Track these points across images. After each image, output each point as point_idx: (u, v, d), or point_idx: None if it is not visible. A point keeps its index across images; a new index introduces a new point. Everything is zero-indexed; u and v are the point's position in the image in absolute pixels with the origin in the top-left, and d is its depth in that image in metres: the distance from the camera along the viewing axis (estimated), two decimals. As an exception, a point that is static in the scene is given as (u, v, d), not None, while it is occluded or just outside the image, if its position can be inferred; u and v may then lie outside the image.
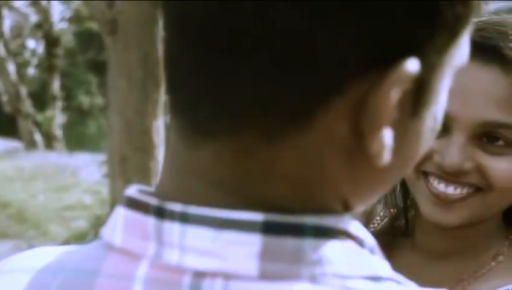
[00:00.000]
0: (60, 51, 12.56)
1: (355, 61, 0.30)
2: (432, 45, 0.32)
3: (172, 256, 0.32)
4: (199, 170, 0.33)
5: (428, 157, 0.68)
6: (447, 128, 0.68)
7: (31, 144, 11.06)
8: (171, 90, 0.34)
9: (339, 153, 0.32)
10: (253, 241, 0.31)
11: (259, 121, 0.31)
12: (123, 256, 0.33)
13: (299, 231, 0.31)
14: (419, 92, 0.33)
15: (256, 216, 0.31)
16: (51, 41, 12.29)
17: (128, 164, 3.74)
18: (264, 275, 0.31)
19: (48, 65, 12.64)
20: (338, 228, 0.33)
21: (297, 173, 0.32)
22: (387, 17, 0.30)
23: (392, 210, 0.81)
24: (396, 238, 0.80)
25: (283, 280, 0.31)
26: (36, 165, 8.37)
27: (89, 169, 7.81)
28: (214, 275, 0.31)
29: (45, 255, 0.38)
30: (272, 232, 0.31)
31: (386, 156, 0.32)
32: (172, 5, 0.33)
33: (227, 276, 0.31)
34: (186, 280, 0.31)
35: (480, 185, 0.68)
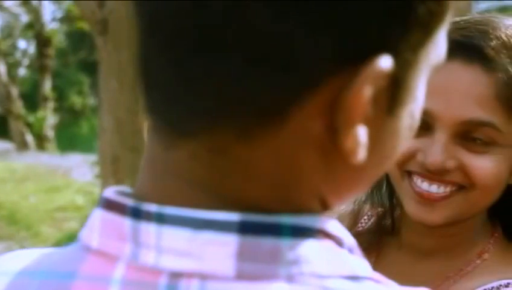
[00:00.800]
0: (51, 51, 12.50)
1: (328, 59, 0.30)
2: (405, 42, 0.32)
3: (148, 257, 0.31)
4: (176, 170, 0.33)
5: (411, 156, 0.69)
6: (429, 127, 0.68)
7: (22, 145, 11.00)
8: (146, 90, 0.34)
9: (314, 152, 0.32)
10: (230, 242, 0.31)
11: (234, 120, 0.31)
12: (100, 258, 0.33)
13: (276, 230, 0.31)
14: (394, 90, 0.32)
15: (233, 216, 0.31)
16: (42, 41, 12.23)
17: (120, 164, 3.73)
18: (241, 275, 0.31)
19: (39, 65, 12.58)
20: (316, 228, 0.32)
21: (273, 172, 0.32)
22: (359, 14, 0.30)
23: (379, 209, 0.82)
24: (383, 238, 0.80)
25: (260, 279, 0.31)
26: (28, 166, 8.33)
27: (81, 170, 7.78)
28: (190, 275, 0.31)
29: (24, 257, 0.38)
30: (249, 232, 0.31)
31: (361, 154, 0.32)
32: (145, 5, 0.32)
33: (203, 276, 0.31)
34: (163, 280, 0.31)
35: (463, 183, 0.68)
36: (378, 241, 0.80)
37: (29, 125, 11.34)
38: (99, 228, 0.34)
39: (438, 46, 0.35)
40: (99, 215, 0.34)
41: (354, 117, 0.31)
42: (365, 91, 0.30)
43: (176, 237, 0.31)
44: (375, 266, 0.79)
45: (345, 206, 0.83)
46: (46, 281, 0.34)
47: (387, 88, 0.32)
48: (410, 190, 0.70)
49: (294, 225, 0.32)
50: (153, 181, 0.34)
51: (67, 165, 8.42)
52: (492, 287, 0.68)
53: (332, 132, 0.31)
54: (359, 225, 0.83)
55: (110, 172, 3.75)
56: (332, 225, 0.34)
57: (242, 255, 0.31)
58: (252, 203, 0.32)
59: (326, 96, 0.31)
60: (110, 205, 0.34)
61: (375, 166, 0.35)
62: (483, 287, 0.69)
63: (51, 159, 9.19)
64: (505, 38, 0.67)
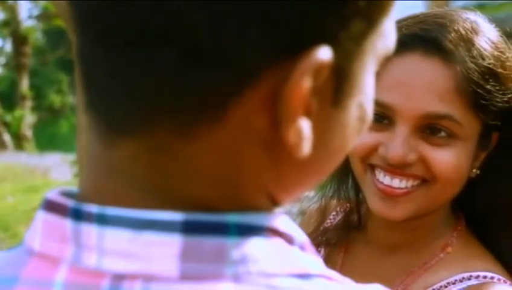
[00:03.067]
0: (28, 49, 12.32)
1: (263, 51, 0.30)
2: (345, 33, 0.31)
3: (90, 259, 0.31)
4: (116, 169, 0.32)
5: (373, 150, 0.69)
6: (391, 120, 0.68)
7: (-1, 145, 10.84)
8: (85, 88, 0.33)
9: (258, 147, 0.32)
10: (173, 242, 0.30)
11: (172, 118, 0.30)
12: (42, 261, 0.32)
13: (221, 229, 0.31)
14: (338, 81, 0.32)
15: (176, 216, 0.30)
16: (19, 39, 12.05)
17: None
18: (185, 276, 0.30)
19: (16, 64, 12.39)
20: (264, 225, 0.32)
21: (216, 169, 0.31)
22: (295, 5, 0.29)
23: (346, 205, 0.82)
24: (351, 233, 0.80)
25: (205, 280, 0.30)
26: (5, 166, 8.21)
27: (60, 169, 7.70)
28: (133, 277, 0.30)
29: None
30: (193, 231, 0.30)
31: (306, 148, 0.31)
32: (76, 3, 0.32)
33: (147, 278, 0.30)
34: (105, 283, 0.30)
35: (425, 176, 0.69)
36: (346, 236, 0.80)
37: (6, 125, 11.18)
38: (41, 230, 0.33)
39: (385, 37, 0.34)
40: (41, 217, 0.33)
41: (294, 110, 0.30)
42: (304, 83, 0.30)
43: (117, 238, 0.30)
44: (344, 262, 0.79)
45: (310, 202, 0.84)
46: None
47: (330, 79, 0.31)
48: (372, 186, 0.70)
49: (240, 223, 0.31)
50: (94, 181, 0.33)
51: (46, 164, 8.32)
52: (455, 281, 0.69)
53: (275, 126, 0.31)
54: (328, 220, 0.83)
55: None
56: (282, 222, 0.33)
57: (186, 256, 0.30)
58: (197, 202, 0.31)
59: (265, 90, 0.30)
60: (51, 207, 0.33)
61: (324, 159, 0.35)
62: (446, 280, 0.69)
63: (30, 159, 9.07)
64: (462, 31, 0.67)
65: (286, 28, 0.29)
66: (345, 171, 0.77)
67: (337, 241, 0.79)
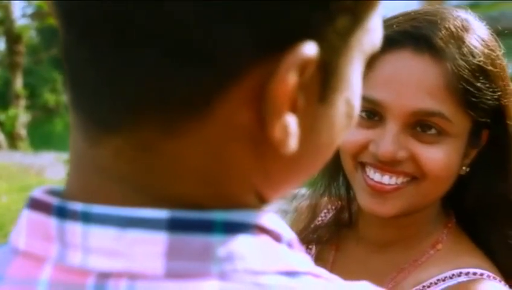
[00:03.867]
0: (22, 48, 12.26)
1: (249, 47, 0.29)
2: (331, 28, 0.31)
3: (75, 257, 0.31)
4: (101, 167, 0.32)
5: (364, 147, 0.69)
6: (381, 117, 0.68)
7: (-7, 144, 10.79)
8: (70, 86, 0.33)
9: (244, 144, 0.31)
10: (159, 240, 0.30)
11: (158, 115, 0.30)
12: (27, 260, 0.32)
13: (207, 227, 0.31)
14: (325, 77, 0.32)
15: (161, 213, 0.30)
16: (13, 38, 11.99)
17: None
18: (171, 274, 0.30)
19: (9, 63, 12.33)
20: (250, 223, 0.32)
21: (202, 166, 0.31)
22: (279, 0, 0.29)
23: (338, 202, 0.82)
24: (342, 230, 0.80)
25: (191, 278, 0.30)
26: (-1, 166, 8.16)
27: (54, 168, 7.66)
28: (119, 275, 0.30)
29: None
30: (178, 229, 0.30)
31: (292, 144, 0.31)
32: (60, 1, 0.31)
33: (132, 276, 0.30)
34: (90, 281, 0.30)
35: (414, 174, 0.69)
36: (338, 234, 0.80)
37: (0, 124, 11.13)
38: (26, 228, 0.33)
39: (372, 33, 0.34)
40: (26, 216, 0.33)
41: (280, 106, 0.30)
42: (290, 79, 0.30)
43: (102, 236, 0.30)
44: (335, 259, 0.79)
45: (301, 200, 0.84)
46: None
47: (317, 75, 0.31)
48: (363, 183, 0.70)
49: (226, 220, 0.31)
50: (79, 179, 0.33)
51: (40, 163, 8.29)
52: (445, 277, 0.69)
53: (261, 122, 0.31)
54: (319, 218, 0.83)
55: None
56: (270, 219, 0.33)
57: (172, 253, 0.30)
58: (183, 200, 0.31)
59: (251, 86, 0.30)
60: (36, 205, 0.33)
61: (312, 156, 0.34)
62: (436, 277, 0.70)
63: (24, 158, 9.03)
64: (453, 28, 0.67)
65: (270, 24, 0.29)
66: (335, 169, 0.77)
67: (329, 238, 0.79)
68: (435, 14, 0.69)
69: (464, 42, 0.68)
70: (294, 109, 0.31)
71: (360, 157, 0.70)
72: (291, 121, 0.31)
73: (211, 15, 0.29)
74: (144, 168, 0.31)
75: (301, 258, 0.33)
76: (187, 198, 0.31)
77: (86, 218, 0.31)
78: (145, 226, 0.30)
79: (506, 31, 0.89)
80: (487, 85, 0.68)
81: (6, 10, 12.07)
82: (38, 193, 0.33)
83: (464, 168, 0.72)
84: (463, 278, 0.68)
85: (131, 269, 0.30)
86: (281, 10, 0.29)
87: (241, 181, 0.32)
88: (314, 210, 0.83)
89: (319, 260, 0.79)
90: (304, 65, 0.30)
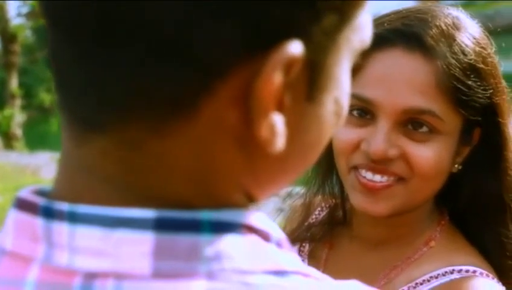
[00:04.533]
0: (17, 47, 12.22)
1: (234, 46, 0.29)
2: (317, 27, 0.31)
3: (62, 258, 0.31)
4: (87, 167, 0.32)
5: (356, 146, 0.69)
6: (373, 115, 0.68)
7: (-11, 144, 10.75)
8: (56, 85, 0.32)
9: (231, 143, 0.31)
10: (146, 239, 0.30)
11: (144, 114, 0.30)
12: (14, 260, 0.32)
13: (194, 226, 0.31)
14: (312, 75, 0.32)
15: (148, 213, 0.30)
16: (8, 37, 11.94)
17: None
18: (158, 274, 0.30)
19: (5, 62, 12.28)
20: (239, 222, 0.32)
21: (190, 165, 0.31)
22: (265, 0, 0.29)
23: (331, 201, 0.82)
24: (336, 229, 0.80)
25: (178, 278, 0.30)
26: (-5, 166, 8.14)
27: (50, 168, 7.64)
28: (105, 275, 0.30)
29: None
30: (165, 229, 0.30)
31: (279, 143, 0.31)
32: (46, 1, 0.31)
33: (119, 276, 0.30)
34: (77, 281, 0.30)
35: (404, 175, 0.69)
36: (331, 232, 0.80)
37: (-5, 124, 11.09)
38: (13, 229, 0.33)
39: (360, 31, 0.34)
40: (13, 216, 0.33)
41: (266, 105, 0.30)
42: (275, 78, 0.30)
43: (89, 236, 0.30)
44: (328, 257, 0.80)
45: (295, 199, 0.84)
46: None
47: (304, 74, 0.31)
48: (355, 181, 0.70)
49: (214, 220, 0.31)
50: (66, 179, 0.33)
51: (36, 163, 8.26)
52: (438, 275, 0.69)
53: (248, 121, 0.31)
54: (313, 216, 0.84)
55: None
56: (258, 218, 0.33)
57: (159, 253, 0.30)
58: (171, 200, 0.31)
59: (237, 85, 0.30)
60: (23, 205, 0.33)
61: (300, 155, 0.34)
62: (429, 274, 0.70)
63: (20, 158, 9.00)
64: (444, 26, 0.67)
65: (255, 23, 0.29)
66: (329, 167, 0.77)
67: (322, 236, 0.80)
68: (426, 12, 0.69)
69: (454, 40, 0.68)
70: (280, 108, 0.31)
71: (353, 159, 0.70)
72: (278, 120, 0.31)
73: (196, 14, 0.29)
74: (130, 167, 0.31)
75: (290, 258, 0.33)
76: (175, 198, 0.31)
77: (72, 218, 0.31)
78: (131, 226, 0.30)
79: (500, 30, 0.89)
80: (478, 83, 0.68)
81: (1, 9, 12.03)
82: (25, 193, 0.33)
83: (456, 166, 0.72)
84: (456, 276, 0.68)
85: (118, 269, 0.30)
86: (266, 9, 0.29)
87: (228, 180, 0.32)
88: (308, 208, 0.83)
89: (312, 257, 0.79)
90: (289, 64, 0.30)
